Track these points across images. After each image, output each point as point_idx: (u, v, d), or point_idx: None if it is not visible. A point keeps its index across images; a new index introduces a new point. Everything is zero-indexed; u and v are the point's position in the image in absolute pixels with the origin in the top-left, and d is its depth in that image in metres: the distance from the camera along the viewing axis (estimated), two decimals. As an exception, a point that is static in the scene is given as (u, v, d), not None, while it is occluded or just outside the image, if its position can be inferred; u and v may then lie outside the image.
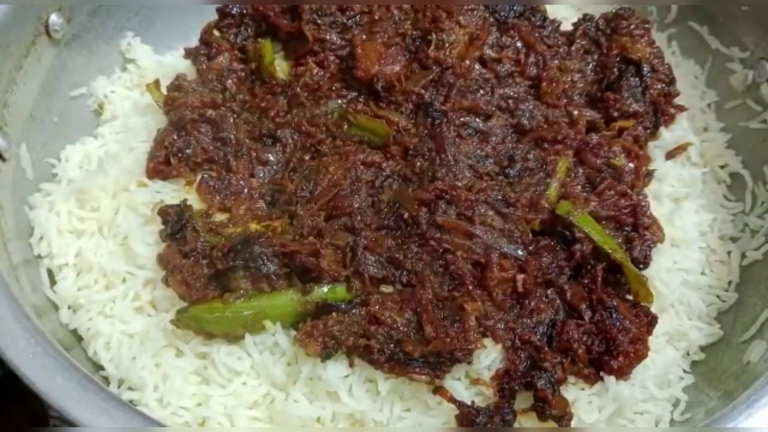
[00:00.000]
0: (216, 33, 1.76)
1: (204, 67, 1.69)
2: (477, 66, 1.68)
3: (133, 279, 1.46)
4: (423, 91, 1.61)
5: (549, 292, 1.42)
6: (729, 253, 1.64)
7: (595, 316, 1.38)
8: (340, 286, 1.38)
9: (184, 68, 1.75)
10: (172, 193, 1.55)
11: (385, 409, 1.33)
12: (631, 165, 1.57)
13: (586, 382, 1.38)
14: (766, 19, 1.71)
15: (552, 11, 1.87)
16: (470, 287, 1.38)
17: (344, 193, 1.48)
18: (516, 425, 1.33)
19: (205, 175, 1.55)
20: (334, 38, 1.71)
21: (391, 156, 1.56)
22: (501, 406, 1.30)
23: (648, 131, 1.67)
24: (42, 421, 1.52)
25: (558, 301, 1.41)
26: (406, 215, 1.45)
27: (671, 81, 1.72)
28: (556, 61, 1.72)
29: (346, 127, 1.60)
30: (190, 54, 1.75)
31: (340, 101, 1.64)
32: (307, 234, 1.44)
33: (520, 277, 1.40)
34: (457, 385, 1.33)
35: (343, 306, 1.35)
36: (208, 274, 1.38)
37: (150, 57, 1.86)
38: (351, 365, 1.34)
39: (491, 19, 1.74)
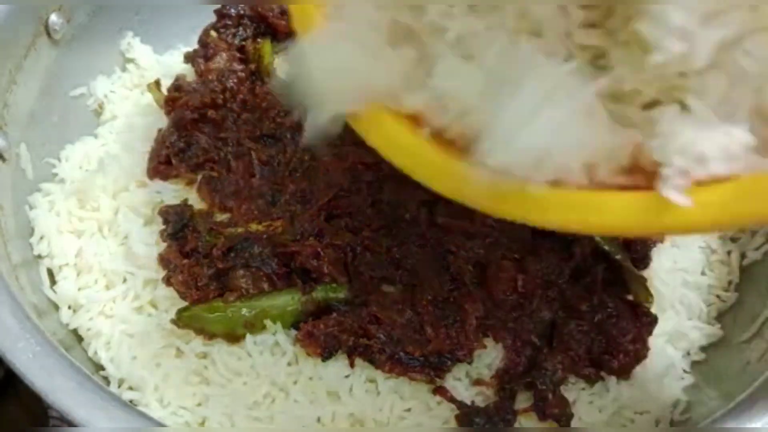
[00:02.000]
0: (213, 34, 1.76)
1: (202, 68, 1.69)
2: (477, 66, 1.68)
3: (133, 279, 1.46)
4: (423, 91, 1.61)
5: (549, 292, 1.42)
6: (729, 252, 1.64)
7: (595, 316, 1.38)
8: (341, 286, 1.38)
9: (185, 68, 1.76)
10: (172, 193, 1.55)
11: (385, 409, 1.33)
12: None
13: (586, 382, 1.38)
14: (766, 20, 1.71)
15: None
16: (470, 287, 1.38)
17: (344, 193, 1.48)
18: (516, 425, 1.33)
19: (206, 175, 1.55)
20: (334, 38, 1.71)
21: (391, 156, 1.56)
22: (501, 406, 1.30)
23: (648, 132, 1.67)
24: (42, 421, 1.52)
25: (558, 301, 1.41)
26: (407, 215, 1.45)
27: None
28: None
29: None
30: (189, 58, 1.75)
31: (340, 101, 1.64)
32: (308, 234, 1.44)
33: (520, 277, 1.40)
34: (458, 385, 1.33)
35: (343, 306, 1.36)
36: (208, 273, 1.39)
37: (150, 57, 1.86)
38: (351, 365, 1.34)
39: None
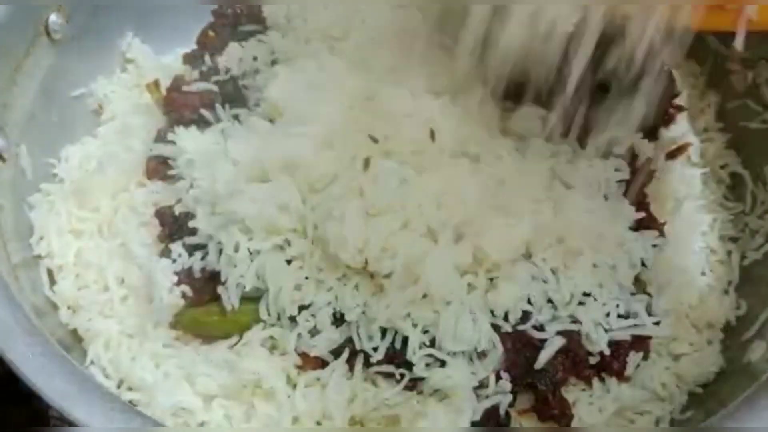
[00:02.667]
0: (211, 33, 1.76)
1: (200, 68, 1.69)
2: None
3: (132, 279, 1.46)
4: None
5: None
6: (729, 253, 1.64)
7: (595, 316, 1.38)
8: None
9: (184, 69, 1.75)
10: (170, 193, 1.55)
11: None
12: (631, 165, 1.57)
13: (587, 382, 1.38)
14: (767, 19, 1.71)
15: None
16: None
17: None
18: (516, 425, 1.33)
19: (205, 175, 1.54)
20: (333, 38, 1.71)
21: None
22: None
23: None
24: (42, 421, 1.52)
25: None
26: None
27: (671, 81, 1.71)
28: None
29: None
30: (187, 58, 1.75)
31: (339, 100, 1.63)
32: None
33: (521, 277, 1.39)
34: (457, 385, 1.33)
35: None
36: (205, 276, 1.38)
37: (150, 57, 1.86)
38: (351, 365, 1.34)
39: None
